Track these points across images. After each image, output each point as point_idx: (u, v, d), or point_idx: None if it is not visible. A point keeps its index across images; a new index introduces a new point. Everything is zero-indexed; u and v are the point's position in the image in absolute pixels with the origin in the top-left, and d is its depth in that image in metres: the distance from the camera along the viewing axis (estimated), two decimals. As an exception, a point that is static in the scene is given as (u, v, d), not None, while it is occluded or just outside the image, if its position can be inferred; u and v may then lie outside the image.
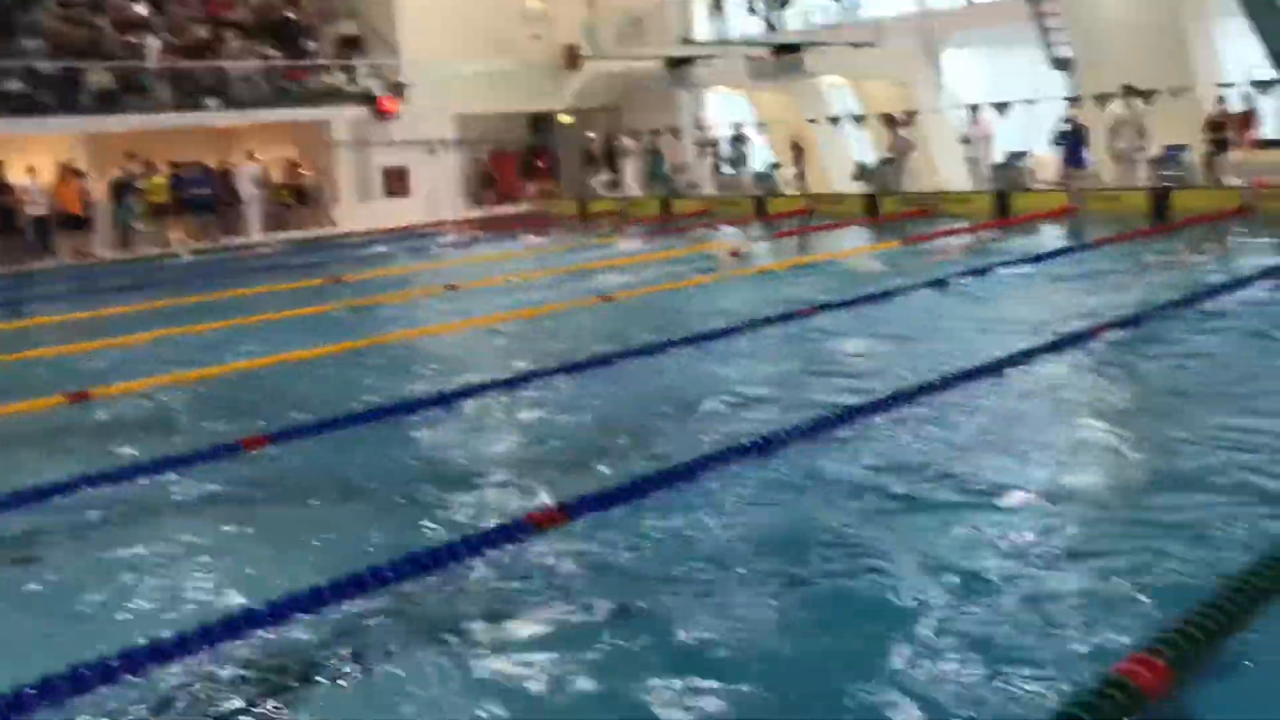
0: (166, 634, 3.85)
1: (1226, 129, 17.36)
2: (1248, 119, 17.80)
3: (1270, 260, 11.23)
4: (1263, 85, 16.87)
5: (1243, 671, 3.41)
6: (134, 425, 7.35)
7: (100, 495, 5.66)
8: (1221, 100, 17.16)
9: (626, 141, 25.62)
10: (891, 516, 4.87)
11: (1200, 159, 17.51)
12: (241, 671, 3.72)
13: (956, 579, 4.13)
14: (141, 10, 24.86)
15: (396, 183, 25.86)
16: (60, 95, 21.82)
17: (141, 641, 3.79)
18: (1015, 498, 4.96)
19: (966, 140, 20.11)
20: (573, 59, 27.06)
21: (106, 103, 22.14)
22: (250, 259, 19.09)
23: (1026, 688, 3.37)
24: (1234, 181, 17.27)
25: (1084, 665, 3.41)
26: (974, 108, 19.91)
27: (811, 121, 21.68)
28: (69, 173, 20.79)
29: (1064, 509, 4.82)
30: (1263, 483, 5.00)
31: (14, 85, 21.29)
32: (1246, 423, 5.95)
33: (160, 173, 22.25)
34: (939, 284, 10.84)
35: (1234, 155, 17.38)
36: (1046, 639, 3.66)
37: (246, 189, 23.22)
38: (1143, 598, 3.90)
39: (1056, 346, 7.72)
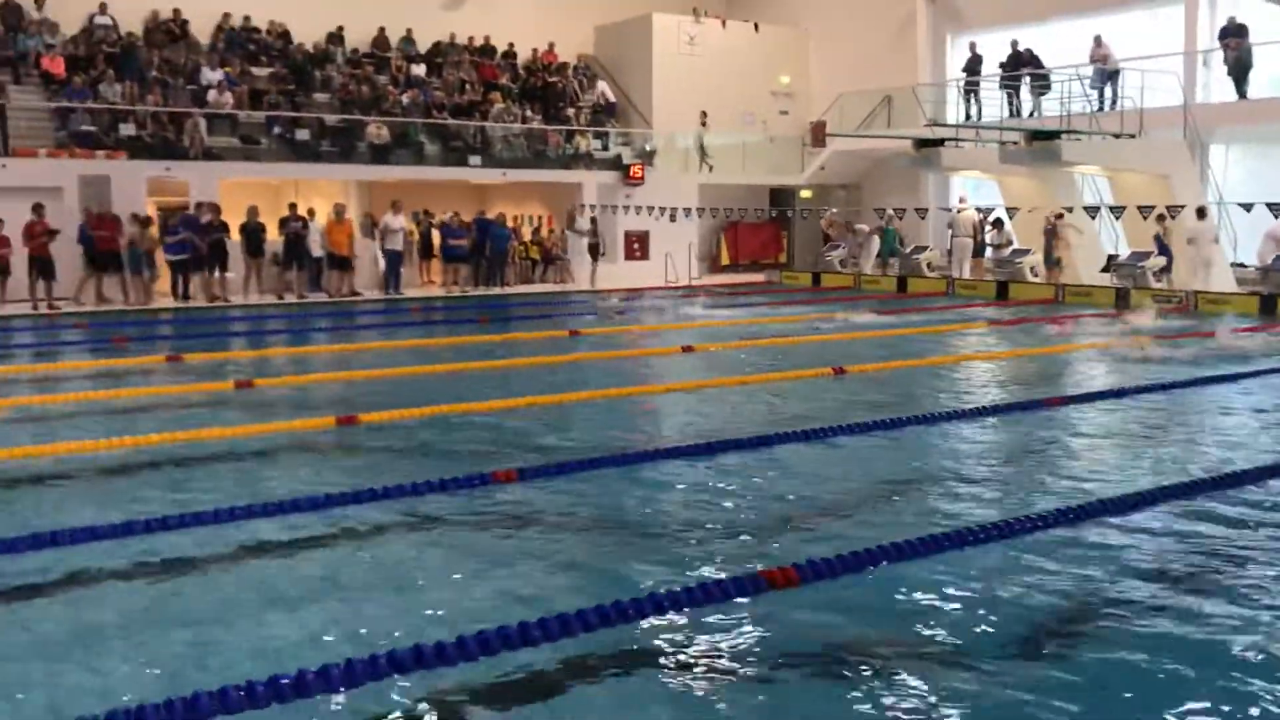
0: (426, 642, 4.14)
1: None
2: None
3: None
4: None
5: None
6: (390, 450, 7.90)
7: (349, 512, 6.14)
8: None
9: (860, 225, 25.92)
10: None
11: None
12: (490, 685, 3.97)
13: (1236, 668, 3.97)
14: (419, 70, 26.76)
15: (637, 246, 26.68)
16: (341, 145, 23.70)
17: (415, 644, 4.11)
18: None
19: (1191, 240, 19.29)
20: (819, 136, 27.31)
21: (380, 154, 23.88)
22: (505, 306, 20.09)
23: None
24: None
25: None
26: (1200, 210, 19.06)
27: (1068, 210, 21.11)
28: (341, 216, 22.27)
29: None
30: None
31: (304, 134, 23.30)
32: None
33: (426, 222, 23.72)
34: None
35: None
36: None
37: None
38: None
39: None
